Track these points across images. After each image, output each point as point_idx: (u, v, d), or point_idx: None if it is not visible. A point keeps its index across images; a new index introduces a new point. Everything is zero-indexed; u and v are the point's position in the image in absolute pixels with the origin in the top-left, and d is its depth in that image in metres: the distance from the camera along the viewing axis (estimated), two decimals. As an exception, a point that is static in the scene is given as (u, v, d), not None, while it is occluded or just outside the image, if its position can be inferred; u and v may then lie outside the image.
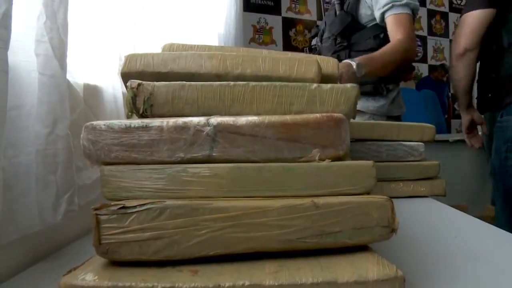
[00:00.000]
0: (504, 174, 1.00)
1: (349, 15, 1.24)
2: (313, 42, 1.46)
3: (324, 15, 1.43)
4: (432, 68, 3.54)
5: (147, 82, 0.36)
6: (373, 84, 1.22)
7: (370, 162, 0.34)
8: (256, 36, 2.40)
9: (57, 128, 0.43)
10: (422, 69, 3.41)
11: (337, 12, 1.29)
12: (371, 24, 1.23)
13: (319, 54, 1.36)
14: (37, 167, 0.42)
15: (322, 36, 1.36)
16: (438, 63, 3.54)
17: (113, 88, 0.61)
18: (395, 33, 1.14)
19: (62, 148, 0.44)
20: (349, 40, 1.24)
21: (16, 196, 0.40)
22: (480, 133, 1.26)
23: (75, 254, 0.46)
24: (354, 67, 1.03)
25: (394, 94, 1.27)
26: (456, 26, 3.01)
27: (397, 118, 1.29)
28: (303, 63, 0.41)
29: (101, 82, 0.59)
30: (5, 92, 0.35)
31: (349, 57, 1.22)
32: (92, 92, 0.57)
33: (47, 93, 0.43)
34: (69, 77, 0.48)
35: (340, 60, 1.23)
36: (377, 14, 1.18)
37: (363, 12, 1.22)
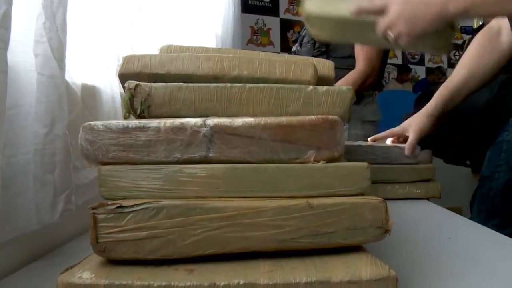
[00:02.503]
0: None
1: None
2: (293, 48, 1.48)
3: None
4: (429, 70, 3.56)
5: (144, 83, 0.37)
6: None
7: (365, 164, 0.35)
8: (254, 37, 2.40)
9: (55, 128, 0.44)
10: (420, 72, 3.43)
11: None
12: None
13: None
14: (35, 167, 0.42)
15: (302, 41, 1.39)
16: (435, 65, 3.56)
17: (111, 88, 0.62)
18: (357, 60, 1.20)
19: (60, 148, 0.44)
20: (327, 46, 1.27)
21: (14, 195, 0.40)
22: None
23: (72, 252, 0.47)
24: None
25: (368, 100, 1.31)
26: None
27: (373, 124, 1.33)
28: (299, 65, 0.42)
29: (99, 83, 0.60)
30: (4, 92, 0.35)
31: None
32: (90, 93, 0.57)
33: (45, 93, 0.43)
34: (67, 77, 0.48)
35: None
36: None
37: None
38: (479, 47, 0.80)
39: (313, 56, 1.29)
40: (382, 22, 0.58)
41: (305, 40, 1.36)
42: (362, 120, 1.29)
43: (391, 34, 0.58)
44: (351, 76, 1.19)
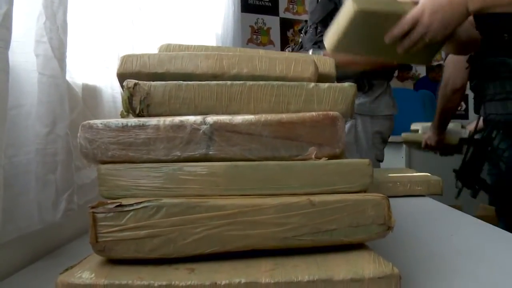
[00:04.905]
0: None
1: (332, 2, 1.14)
2: (300, 40, 1.42)
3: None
4: (429, 68, 3.53)
5: (143, 81, 0.36)
6: (354, 79, 1.08)
7: (367, 160, 0.34)
8: (253, 37, 2.40)
9: (57, 127, 0.44)
10: (420, 70, 3.41)
11: None
12: None
13: (301, 47, 1.30)
14: (36, 166, 0.42)
15: (307, 29, 1.29)
16: (436, 63, 3.53)
17: (112, 88, 0.62)
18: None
19: (61, 148, 0.44)
20: None
21: (16, 195, 0.40)
22: None
23: (74, 252, 0.47)
24: None
25: (379, 91, 1.18)
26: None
27: (385, 118, 1.21)
28: (300, 62, 0.42)
29: (99, 82, 0.60)
30: (6, 92, 0.35)
31: None
32: (91, 92, 0.57)
33: (46, 93, 0.43)
34: (68, 77, 0.48)
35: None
36: None
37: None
38: None
39: (316, 42, 1.18)
40: (418, 29, 0.68)
41: (309, 23, 1.26)
42: (372, 115, 1.17)
43: (426, 38, 0.68)
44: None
